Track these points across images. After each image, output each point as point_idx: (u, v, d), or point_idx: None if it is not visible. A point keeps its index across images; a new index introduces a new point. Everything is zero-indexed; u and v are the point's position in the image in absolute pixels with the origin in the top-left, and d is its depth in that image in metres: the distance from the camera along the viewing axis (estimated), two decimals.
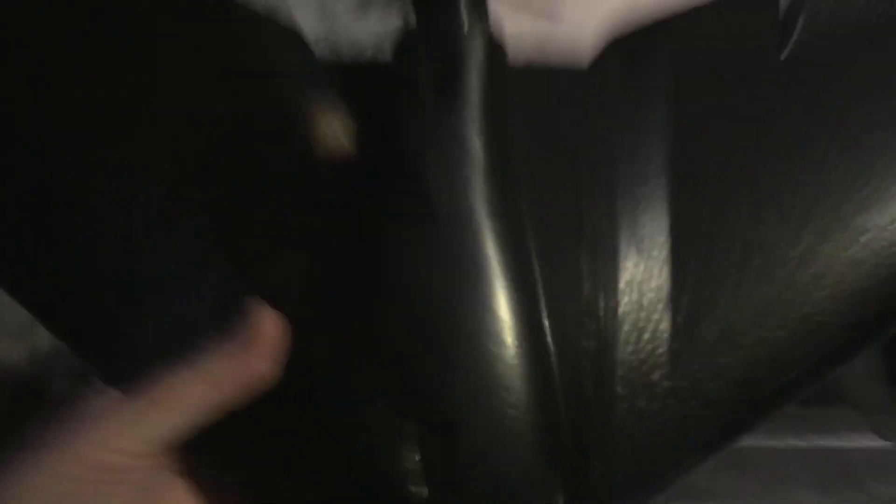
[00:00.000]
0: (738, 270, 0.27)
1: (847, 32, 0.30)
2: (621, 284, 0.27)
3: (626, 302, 0.27)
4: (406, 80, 0.28)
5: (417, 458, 0.25)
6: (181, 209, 0.28)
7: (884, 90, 0.29)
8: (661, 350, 0.27)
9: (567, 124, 0.30)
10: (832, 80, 0.29)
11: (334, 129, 0.29)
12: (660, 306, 0.27)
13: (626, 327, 0.27)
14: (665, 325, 0.27)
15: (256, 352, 0.26)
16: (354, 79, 0.30)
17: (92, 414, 0.25)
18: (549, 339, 0.27)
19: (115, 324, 0.28)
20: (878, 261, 0.27)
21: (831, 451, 0.58)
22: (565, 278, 0.28)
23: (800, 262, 0.27)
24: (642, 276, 0.28)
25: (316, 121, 0.29)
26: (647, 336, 0.27)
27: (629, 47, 0.31)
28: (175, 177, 0.28)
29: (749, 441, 0.45)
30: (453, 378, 0.25)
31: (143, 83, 0.29)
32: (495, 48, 0.29)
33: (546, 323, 0.27)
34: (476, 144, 0.27)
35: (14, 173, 0.29)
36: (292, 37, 0.30)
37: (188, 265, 0.28)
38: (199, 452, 0.27)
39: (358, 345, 0.27)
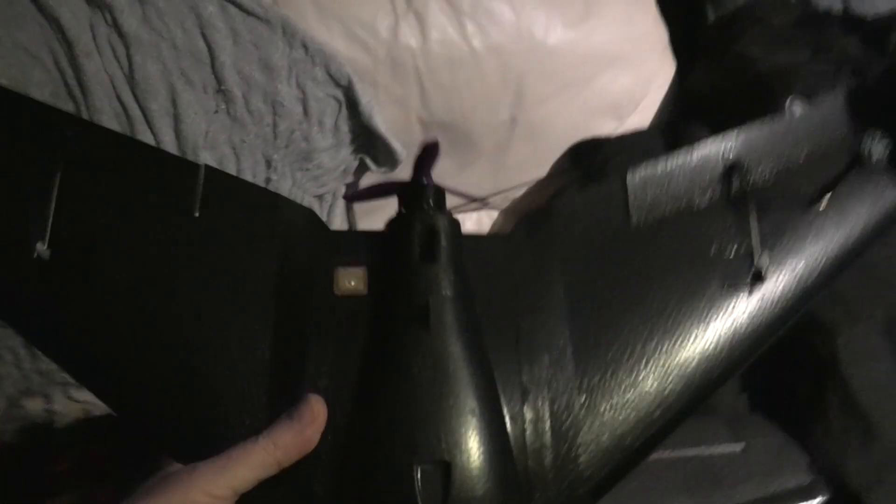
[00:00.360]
0: (616, 364, 0.42)
1: (671, 211, 0.46)
2: (544, 378, 0.42)
3: (547, 391, 0.42)
4: (400, 246, 0.43)
5: (421, 487, 0.37)
6: (255, 336, 0.41)
7: (693, 259, 0.45)
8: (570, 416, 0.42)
9: (499, 276, 0.45)
10: (663, 247, 0.45)
11: (352, 277, 0.44)
12: (569, 387, 0.42)
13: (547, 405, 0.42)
14: (574, 403, 0.42)
15: (312, 426, 0.39)
16: (363, 244, 0.45)
17: (192, 467, 0.37)
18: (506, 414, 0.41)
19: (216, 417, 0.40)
20: (697, 358, 0.43)
21: (697, 459, 0.64)
22: (508, 374, 0.42)
23: (654, 360, 0.42)
24: (556, 371, 0.42)
25: (338, 272, 0.44)
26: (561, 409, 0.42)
27: (533, 224, 0.47)
28: (255, 316, 0.42)
29: None
30: (448, 434, 0.38)
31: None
32: (454, 225, 0.45)
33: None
34: (447, 285, 0.42)
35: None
36: (313, 217, 0.46)
37: (257, 371, 0.41)
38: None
39: (378, 414, 0.39)
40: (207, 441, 0.39)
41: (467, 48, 0.89)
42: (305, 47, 0.80)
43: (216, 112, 0.78)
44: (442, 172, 0.94)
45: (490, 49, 0.90)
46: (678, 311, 0.43)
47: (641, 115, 1.04)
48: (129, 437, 0.78)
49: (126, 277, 0.41)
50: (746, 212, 0.44)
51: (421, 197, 0.46)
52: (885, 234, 0.48)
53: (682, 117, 1.04)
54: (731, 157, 0.46)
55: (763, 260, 0.43)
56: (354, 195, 0.64)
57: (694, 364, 0.42)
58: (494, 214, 1.09)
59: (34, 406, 0.79)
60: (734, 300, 0.43)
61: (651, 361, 0.42)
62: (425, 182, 0.46)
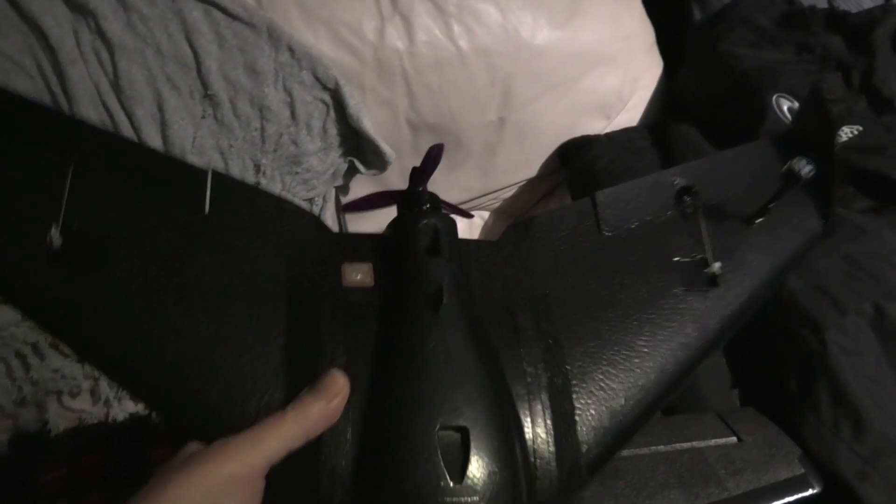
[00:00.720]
0: (599, 353, 0.47)
1: (636, 225, 0.53)
2: (540, 362, 0.46)
3: (544, 373, 0.45)
4: (406, 242, 0.48)
5: (440, 460, 0.39)
6: (269, 323, 0.44)
7: (657, 265, 0.51)
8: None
9: (492, 276, 0.49)
10: (631, 254, 0.51)
11: (358, 272, 0.47)
12: (562, 371, 0.46)
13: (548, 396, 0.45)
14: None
15: (337, 398, 0.40)
16: (365, 244, 0.49)
17: (224, 442, 0.37)
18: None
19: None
20: (667, 348, 0.48)
21: (690, 453, 0.64)
22: (510, 356, 0.45)
23: (630, 350, 0.47)
24: (550, 358, 0.46)
25: (345, 268, 0.47)
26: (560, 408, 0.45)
27: (518, 233, 0.52)
28: (268, 307, 0.44)
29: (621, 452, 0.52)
30: (464, 402, 0.41)
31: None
32: (452, 223, 0.50)
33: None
34: (453, 274, 0.46)
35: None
36: (316, 220, 0.49)
37: (274, 353, 0.43)
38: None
39: (397, 387, 0.41)
40: (229, 421, 0.40)
41: (454, 49, 0.89)
42: (291, 51, 0.80)
43: (203, 117, 0.78)
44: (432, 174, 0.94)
45: (477, 50, 0.90)
46: (648, 309, 0.49)
47: (629, 114, 1.04)
48: (122, 445, 0.78)
49: (138, 268, 0.43)
50: (699, 227, 0.52)
51: (420, 200, 0.51)
52: (812, 249, 0.57)
53: (670, 115, 1.04)
54: (682, 182, 0.55)
55: (715, 267, 0.50)
56: (353, 205, 0.68)
57: (665, 353, 0.48)
58: (486, 215, 1.09)
59: (27, 416, 0.79)
60: (694, 300, 0.50)
61: (628, 350, 0.47)
62: (421, 189, 0.52)
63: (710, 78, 1.00)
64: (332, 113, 0.84)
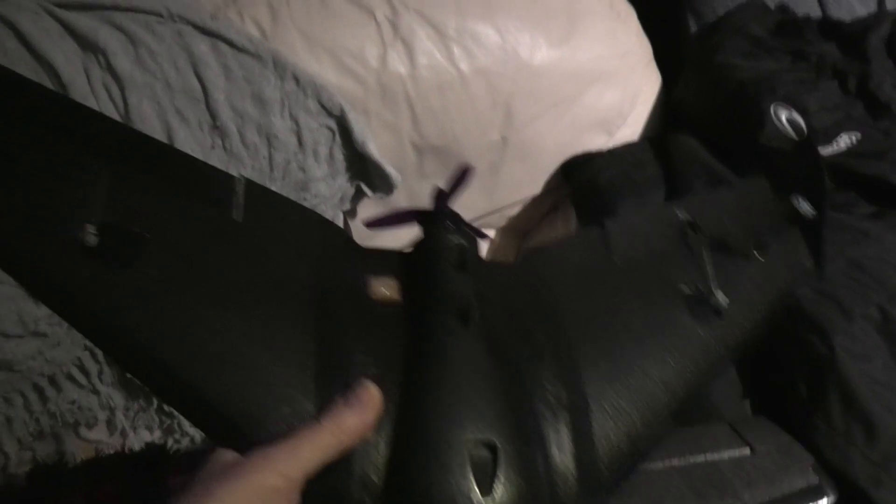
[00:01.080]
0: (612, 376, 0.47)
1: (644, 254, 0.55)
2: (560, 382, 0.46)
3: (564, 394, 0.46)
4: (433, 259, 0.49)
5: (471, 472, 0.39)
6: (299, 330, 0.44)
7: (664, 294, 0.52)
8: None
9: (510, 297, 0.50)
10: (640, 282, 0.53)
11: (385, 286, 0.48)
12: (580, 392, 0.46)
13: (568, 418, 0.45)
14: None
15: (372, 410, 0.40)
16: (391, 259, 0.50)
17: (261, 452, 0.37)
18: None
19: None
20: (675, 371, 0.49)
21: (704, 466, 0.64)
22: (532, 375, 0.46)
23: (641, 373, 0.48)
24: (568, 379, 0.46)
25: (372, 281, 0.48)
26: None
27: (532, 257, 0.54)
28: (298, 315, 0.44)
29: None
30: (492, 416, 0.41)
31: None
32: (475, 242, 0.52)
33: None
34: (479, 290, 0.47)
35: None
36: (344, 233, 0.51)
37: (304, 360, 0.42)
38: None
39: (427, 400, 0.42)
40: (259, 428, 0.40)
41: (455, 72, 0.90)
42: (297, 79, 0.82)
43: (212, 148, 0.80)
44: None
45: (477, 72, 0.91)
46: (659, 335, 0.50)
47: (630, 129, 1.05)
48: (138, 475, 0.79)
49: (172, 266, 0.43)
50: (703, 260, 0.53)
51: (444, 219, 0.52)
52: (806, 281, 0.61)
53: (671, 128, 1.05)
54: (686, 216, 0.56)
55: (718, 297, 0.51)
56: (376, 222, 0.68)
57: (675, 377, 0.49)
58: (491, 233, 1.10)
59: (45, 448, 0.80)
60: (700, 328, 0.51)
61: (640, 374, 0.48)
62: (446, 209, 0.53)
63: (708, 89, 1.01)
64: (337, 139, 0.85)
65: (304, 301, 0.45)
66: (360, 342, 0.44)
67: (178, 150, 0.50)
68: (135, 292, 0.41)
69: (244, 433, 0.40)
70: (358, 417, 0.39)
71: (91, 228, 0.41)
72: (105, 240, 0.41)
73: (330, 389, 0.41)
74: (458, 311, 0.45)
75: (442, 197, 0.59)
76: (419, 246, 0.51)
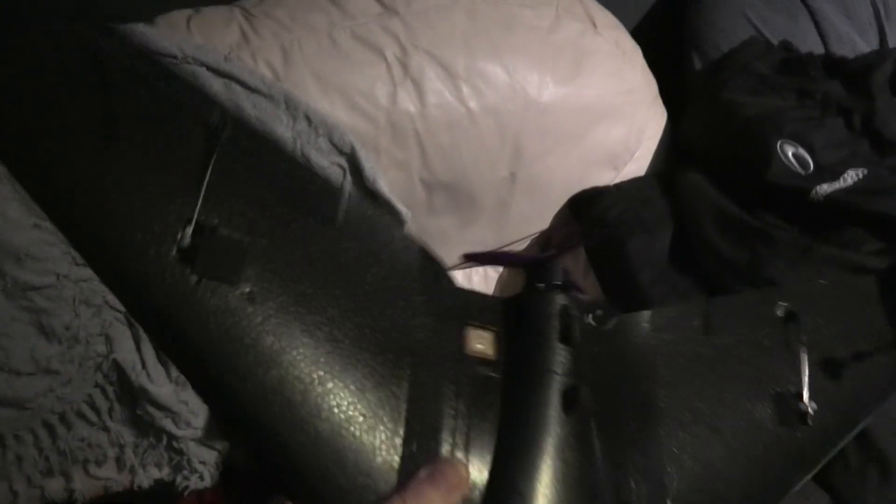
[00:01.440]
0: (701, 485, 0.45)
1: (740, 340, 0.52)
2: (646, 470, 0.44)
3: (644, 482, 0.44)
4: (537, 322, 0.45)
5: None
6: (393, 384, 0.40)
7: (754, 386, 0.50)
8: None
9: (607, 370, 0.47)
10: (732, 368, 0.50)
11: (481, 340, 0.44)
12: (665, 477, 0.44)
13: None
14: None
15: (457, 491, 0.38)
16: (491, 308, 0.46)
17: None
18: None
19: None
20: (752, 472, 0.47)
21: None
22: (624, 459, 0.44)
23: (722, 464, 0.46)
24: (654, 475, 0.44)
25: (468, 332, 0.44)
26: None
27: (628, 323, 0.50)
28: (393, 363, 0.41)
29: None
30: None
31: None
32: (582, 308, 0.47)
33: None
34: (586, 370, 0.44)
35: None
36: (444, 270, 0.47)
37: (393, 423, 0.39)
38: None
39: (518, 488, 0.39)
40: (337, 483, 0.37)
41: (464, 110, 0.92)
42: (308, 119, 0.83)
43: None
44: (445, 230, 0.97)
45: (486, 110, 0.93)
46: (743, 438, 0.47)
47: (637, 164, 1.06)
48: None
49: (273, 288, 0.38)
50: (799, 360, 0.50)
51: (553, 274, 0.48)
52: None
53: (677, 163, 1.06)
54: (787, 308, 0.52)
55: (809, 405, 0.48)
56: (474, 257, 0.65)
57: (748, 480, 0.47)
58: (500, 268, 1.10)
59: (54, 486, 0.79)
60: (784, 433, 0.48)
61: (720, 483, 0.46)
62: (555, 261, 0.50)
63: (714, 126, 1.02)
64: (348, 176, 0.86)
65: (402, 347, 0.41)
66: (453, 408, 0.41)
67: (281, 147, 0.45)
68: (228, 309, 0.37)
69: (322, 487, 0.37)
70: (442, 499, 0.37)
71: (188, 229, 0.37)
72: (202, 242, 0.37)
73: (416, 458, 0.38)
74: (562, 394, 0.42)
75: (550, 247, 0.55)
76: (522, 302, 0.47)
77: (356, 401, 0.38)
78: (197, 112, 0.41)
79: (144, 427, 0.82)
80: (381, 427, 0.38)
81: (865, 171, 0.87)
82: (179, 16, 0.86)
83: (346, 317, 0.40)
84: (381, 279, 0.43)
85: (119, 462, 0.83)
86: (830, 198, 0.83)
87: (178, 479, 0.85)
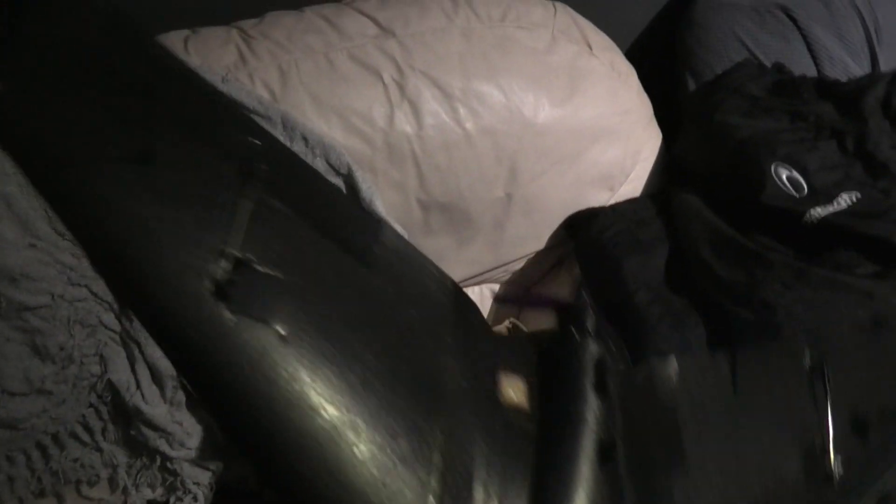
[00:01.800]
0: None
1: (766, 395, 0.52)
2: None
3: None
4: (571, 372, 0.44)
5: None
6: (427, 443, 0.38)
7: (782, 441, 0.49)
8: None
9: (639, 423, 0.46)
10: (757, 422, 0.50)
11: (515, 389, 0.43)
12: None
13: None
14: None
15: None
16: (523, 351, 0.45)
17: None
18: None
19: None
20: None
21: None
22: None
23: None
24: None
25: (502, 379, 0.43)
26: None
27: (657, 369, 0.49)
28: (428, 410, 0.39)
29: None
30: None
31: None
32: (615, 355, 0.47)
33: None
34: (621, 424, 0.43)
35: None
36: (476, 309, 0.44)
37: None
38: None
39: None
40: None
41: (461, 131, 0.92)
42: (305, 139, 0.83)
43: None
44: (441, 250, 0.97)
45: (483, 131, 0.93)
46: (769, 487, 0.46)
47: (632, 185, 1.07)
48: None
49: (307, 335, 0.37)
50: (826, 417, 0.49)
51: (585, 320, 0.48)
52: None
53: (672, 184, 1.07)
54: (813, 362, 0.51)
55: (836, 467, 0.47)
56: (505, 298, 0.65)
57: None
58: (495, 288, 1.11)
59: None
60: (809, 487, 0.47)
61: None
62: (585, 305, 0.48)
63: (708, 147, 1.03)
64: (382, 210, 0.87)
65: (435, 394, 0.40)
66: (486, 457, 0.39)
67: (321, 177, 0.44)
68: (262, 349, 0.36)
69: None
70: None
71: (224, 263, 0.36)
72: (238, 277, 0.36)
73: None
74: (598, 446, 0.41)
75: (583, 291, 0.54)
76: (557, 350, 0.47)
77: (389, 450, 0.37)
78: (236, 141, 0.40)
79: (138, 447, 0.82)
80: (414, 477, 0.37)
81: (859, 195, 0.87)
82: (177, 36, 0.87)
83: (379, 360, 0.39)
84: (416, 321, 0.42)
85: (112, 483, 0.82)
86: (825, 221, 0.84)
87: (172, 499, 0.84)
